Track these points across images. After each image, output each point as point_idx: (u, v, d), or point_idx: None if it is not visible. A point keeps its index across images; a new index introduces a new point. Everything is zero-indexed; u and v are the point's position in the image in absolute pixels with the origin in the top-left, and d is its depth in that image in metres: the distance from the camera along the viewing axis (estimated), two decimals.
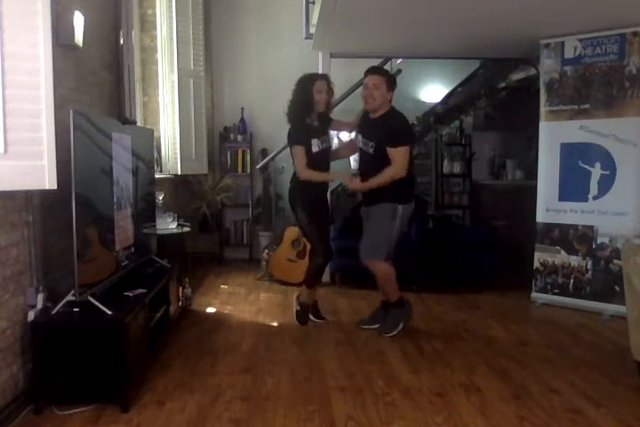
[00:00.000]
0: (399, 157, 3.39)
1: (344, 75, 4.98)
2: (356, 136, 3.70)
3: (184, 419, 2.40)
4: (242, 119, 6.03)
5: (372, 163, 3.49)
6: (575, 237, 4.22)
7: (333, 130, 3.92)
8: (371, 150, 3.49)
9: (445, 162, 6.35)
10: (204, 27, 5.49)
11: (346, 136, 4.60)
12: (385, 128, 3.44)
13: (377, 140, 3.45)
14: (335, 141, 4.39)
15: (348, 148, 3.98)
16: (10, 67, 2.00)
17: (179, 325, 3.70)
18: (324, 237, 3.72)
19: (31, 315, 2.47)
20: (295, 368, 3.00)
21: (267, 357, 3.18)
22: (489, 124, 6.17)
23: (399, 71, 5.27)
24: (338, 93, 4.20)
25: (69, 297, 2.51)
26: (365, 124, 3.59)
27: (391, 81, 3.50)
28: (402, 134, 3.50)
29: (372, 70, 3.53)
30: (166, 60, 4.89)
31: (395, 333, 3.51)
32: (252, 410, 2.49)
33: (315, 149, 3.57)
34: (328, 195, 3.91)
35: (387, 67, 5.30)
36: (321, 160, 3.62)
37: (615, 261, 3.96)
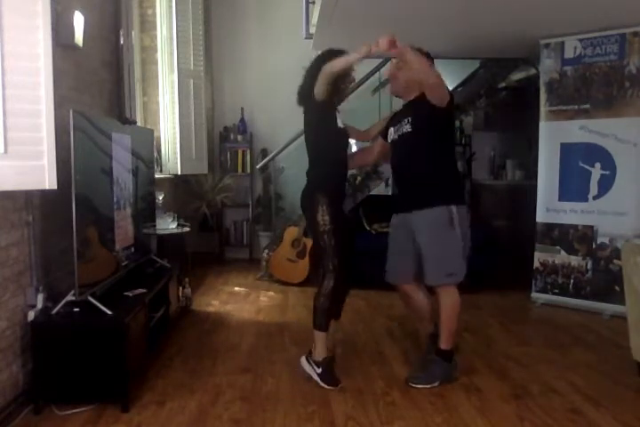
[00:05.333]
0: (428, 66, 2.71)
1: None
2: (383, 141, 3.06)
3: (184, 419, 2.40)
4: (242, 119, 6.03)
5: (411, 145, 2.79)
6: (575, 237, 4.22)
7: (353, 139, 3.37)
8: (408, 127, 2.79)
9: None
10: (204, 27, 5.49)
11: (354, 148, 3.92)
12: (422, 102, 2.76)
13: (413, 113, 2.80)
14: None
15: (363, 154, 3.28)
16: (10, 67, 2.00)
17: (179, 325, 3.70)
18: (342, 253, 2.77)
19: (31, 315, 2.47)
20: (295, 368, 2.99)
21: (267, 357, 3.18)
22: (489, 124, 6.17)
23: None
24: None
25: (69, 297, 2.52)
26: (398, 114, 2.97)
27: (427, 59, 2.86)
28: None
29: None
30: (166, 60, 4.90)
31: (424, 386, 2.73)
32: (252, 410, 2.49)
33: (339, 123, 2.87)
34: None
35: (387, 67, 5.31)
36: (342, 145, 2.93)
37: (615, 261, 3.95)
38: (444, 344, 2.79)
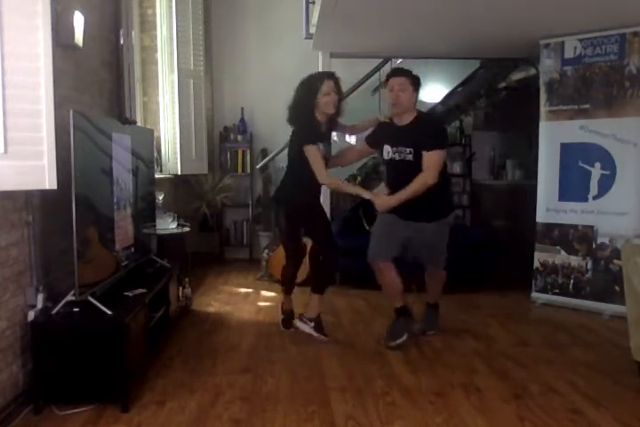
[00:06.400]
0: (435, 161, 3.15)
1: (344, 75, 4.96)
2: (368, 146, 3.51)
3: (184, 419, 2.40)
4: (242, 119, 6.03)
5: (413, 171, 3.18)
6: (575, 237, 4.22)
7: (337, 132, 3.72)
8: (410, 157, 3.21)
9: (446, 162, 6.34)
10: (204, 27, 5.49)
11: (349, 141, 4.33)
12: (421, 131, 3.19)
13: (414, 145, 3.19)
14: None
15: (349, 154, 3.70)
16: (10, 67, 2.00)
17: (179, 325, 3.70)
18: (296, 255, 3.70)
19: (31, 315, 2.47)
20: (295, 368, 3.00)
21: (267, 357, 3.18)
22: (489, 124, 6.17)
23: None
24: None
25: (69, 297, 2.52)
26: (392, 133, 3.31)
27: (417, 82, 3.27)
28: (438, 137, 3.25)
29: (396, 72, 3.31)
30: (166, 60, 4.90)
31: (398, 342, 3.31)
32: (252, 410, 2.49)
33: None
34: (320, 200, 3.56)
35: (386, 67, 5.32)
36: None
37: (615, 261, 3.95)
38: (438, 299, 3.68)
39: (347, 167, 5.02)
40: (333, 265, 3.52)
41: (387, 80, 3.29)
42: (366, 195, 3.27)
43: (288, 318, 3.66)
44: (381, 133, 3.40)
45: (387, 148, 3.31)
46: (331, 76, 3.32)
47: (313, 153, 3.20)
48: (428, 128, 3.24)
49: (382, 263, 3.33)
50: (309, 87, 3.25)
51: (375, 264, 3.35)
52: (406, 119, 3.26)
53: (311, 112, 3.27)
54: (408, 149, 3.21)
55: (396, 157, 3.27)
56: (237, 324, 3.82)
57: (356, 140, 3.63)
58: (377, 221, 3.48)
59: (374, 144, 3.46)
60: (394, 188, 3.27)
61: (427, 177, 3.14)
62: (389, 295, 3.48)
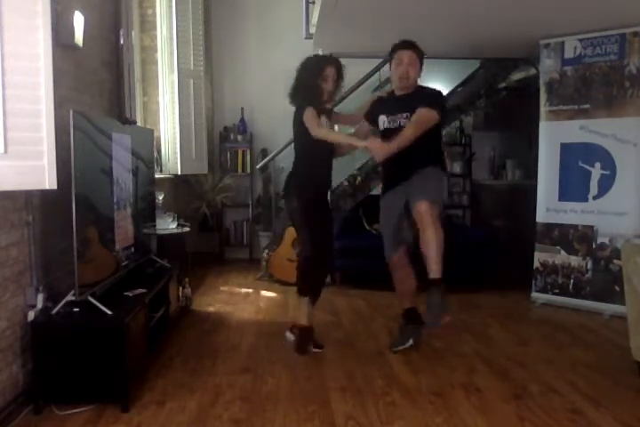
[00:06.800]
0: (426, 117, 3.03)
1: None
2: (368, 125, 3.36)
3: (184, 419, 2.40)
4: (242, 119, 6.03)
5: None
6: (575, 237, 4.22)
7: (335, 123, 3.51)
8: (404, 123, 3.12)
9: (446, 162, 6.34)
10: (204, 27, 5.49)
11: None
12: (419, 97, 3.12)
13: (411, 109, 3.08)
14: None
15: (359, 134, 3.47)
16: (10, 67, 2.00)
17: (179, 325, 3.70)
18: (319, 248, 3.18)
19: (31, 315, 2.47)
20: (295, 368, 3.00)
21: (267, 357, 3.18)
22: (489, 124, 6.17)
23: None
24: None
25: (69, 297, 2.51)
26: (390, 104, 3.23)
27: (422, 57, 3.19)
28: (434, 99, 3.15)
29: (406, 45, 3.16)
30: (166, 60, 4.90)
31: (402, 348, 3.19)
32: (252, 410, 2.49)
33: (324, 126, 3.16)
34: (328, 196, 3.45)
35: (387, 67, 5.31)
36: (325, 155, 3.22)
37: (615, 261, 3.95)
38: (438, 273, 3.00)
39: (346, 167, 5.05)
40: (319, 265, 3.26)
41: (394, 52, 3.18)
42: (360, 143, 3.04)
43: (307, 337, 3.23)
44: (378, 107, 3.31)
45: (382, 118, 3.23)
46: (333, 62, 3.20)
47: (307, 114, 3.03)
48: (426, 94, 3.17)
49: (395, 257, 3.26)
50: (311, 70, 3.15)
51: (390, 261, 3.29)
52: (406, 91, 3.21)
53: (314, 86, 3.12)
54: (405, 114, 3.12)
55: (391, 125, 3.18)
56: (237, 324, 3.82)
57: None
58: (380, 214, 3.36)
59: (372, 118, 3.33)
60: (388, 160, 3.10)
61: (415, 129, 3.00)
62: (398, 293, 3.38)
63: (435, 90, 3.32)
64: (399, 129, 3.09)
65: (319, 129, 3.02)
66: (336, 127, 3.56)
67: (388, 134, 3.15)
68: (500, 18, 3.89)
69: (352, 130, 3.62)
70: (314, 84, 3.11)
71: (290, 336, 3.29)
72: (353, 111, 3.64)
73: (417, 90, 3.21)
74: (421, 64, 3.17)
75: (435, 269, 2.98)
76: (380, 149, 2.96)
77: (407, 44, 3.17)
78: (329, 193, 3.49)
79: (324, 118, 3.13)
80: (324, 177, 3.27)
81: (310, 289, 3.25)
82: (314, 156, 3.18)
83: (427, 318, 3.10)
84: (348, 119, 3.56)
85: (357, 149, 3.32)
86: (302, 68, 3.19)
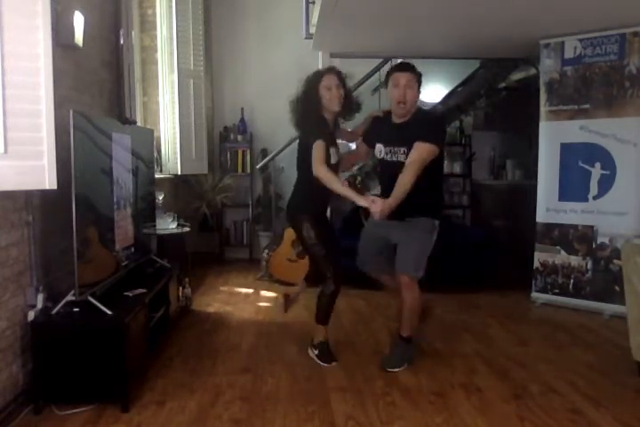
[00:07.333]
0: (424, 154, 2.86)
1: None
2: (366, 146, 3.25)
3: (184, 419, 2.40)
4: (242, 119, 6.03)
5: None
6: (575, 237, 4.22)
7: (337, 138, 3.30)
8: (403, 158, 2.96)
9: (445, 162, 6.34)
10: (204, 27, 5.49)
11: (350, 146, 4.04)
12: (417, 128, 2.93)
13: (409, 144, 2.92)
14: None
15: (347, 160, 3.40)
16: (10, 67, 2.00)
17: (179, 325, 3.70)
18: (334, 260, 3.08)
19: (31, 315, 2.47)
20: (295, 368, 3.00)
21: (267, 357, 3.18)
22: (489, 124, 6.17)
23: None
24: None
25: (69, 297, 2.52)
26: (387, 131, 3.08)
27: (421, 79, 3.02)
28: (433, 132, 2.95)
29: (403, 67, 3.02)
30: (166, 60, 4.90)
31: (399, 369, 3.00)
32: (252, 410, 2.49)
33: (333, 159, 3.00)
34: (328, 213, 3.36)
35: (386, 67, 5.31)
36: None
37: (615, 261, 3.95)
38: (407, 332, 3.09)
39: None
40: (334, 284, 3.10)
41: (390, 74, 3.03)
42: (362, 202, 2.83)
43: (325, 350, 3.17)
44: (375, 130, 3.18)
45: (379, 146, 3.11)
46: (331, 69, 3.08)
47: (316, 147, 2.89)
48: (425, 124, 2.98)
49: (370, 270, 3.30)
50: (310, 82, 3.02)
51: (366, 273, 3.32)
52: (405, 117, 3.04)
53: (316, 109, 3.00)
54: (402, 149, 2.98)
55: (388, 157, 3.07)
56: (237, 324, 3.82)
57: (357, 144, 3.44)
58: (360, 241, 3.30)
59: (369, 142, 3.24)
60: (385, 189, 3.04)
61: (414, 169, 2.84)
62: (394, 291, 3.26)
63: (434, 116, 3.27)
64: (397, 164, 2.97)
65: (323, 168, 2.88)
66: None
67: (385, 165, 3.11)
68: (500, 18, 3.89)
69: (353, 146, 3.58)
70: (315, 99, 2.99)
71: (310, 351, 3.21)
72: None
73: (416, 117, 3.02)
74: (419, 85, 3.01)
75: (406, 328, 3.10)
76: (380, 213, 2.80)
77: (405, 66, 3.03)
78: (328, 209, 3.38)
79: (333, 150, 3.01)
80: (326, 197, 3.15)
81: (328, 317, 3.18)
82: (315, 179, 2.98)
83: (381, 360, 3.08)
84: (348, 136, 3.44)
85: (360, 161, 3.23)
86: (301, 85, 3.06)
